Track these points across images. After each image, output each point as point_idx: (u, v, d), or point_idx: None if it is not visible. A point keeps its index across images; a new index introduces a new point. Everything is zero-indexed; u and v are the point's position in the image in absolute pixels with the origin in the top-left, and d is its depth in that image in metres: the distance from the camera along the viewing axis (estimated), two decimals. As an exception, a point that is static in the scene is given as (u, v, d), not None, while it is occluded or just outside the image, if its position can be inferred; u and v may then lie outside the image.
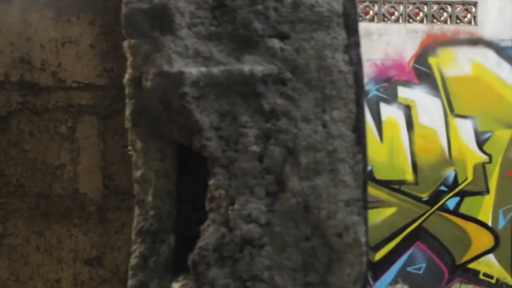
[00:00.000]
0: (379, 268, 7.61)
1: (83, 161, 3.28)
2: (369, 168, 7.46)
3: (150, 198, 1.66)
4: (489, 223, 7.70)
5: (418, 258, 7.65)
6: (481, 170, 7.66)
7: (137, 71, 1.49)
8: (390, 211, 7.56)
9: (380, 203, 7.54)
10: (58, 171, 3.28)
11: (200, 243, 1.45)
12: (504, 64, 7.66)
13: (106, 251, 3.22)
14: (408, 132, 7.55)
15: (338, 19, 1.43)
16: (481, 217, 7.68)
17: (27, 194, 3.21)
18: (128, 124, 1.56)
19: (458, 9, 7.74)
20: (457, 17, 7.73)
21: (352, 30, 1.43)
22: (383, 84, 7.52)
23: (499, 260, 7.75)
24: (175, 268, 1.62)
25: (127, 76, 1.52)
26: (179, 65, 1.44)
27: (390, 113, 7.53)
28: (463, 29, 7.68)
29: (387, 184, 7.54)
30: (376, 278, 7.61)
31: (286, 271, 1.38)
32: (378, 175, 7.52)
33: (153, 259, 1.65)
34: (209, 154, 1.44)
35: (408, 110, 7.55)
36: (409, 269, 7.64)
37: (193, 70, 1.42)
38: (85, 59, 3.24)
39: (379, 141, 7.52)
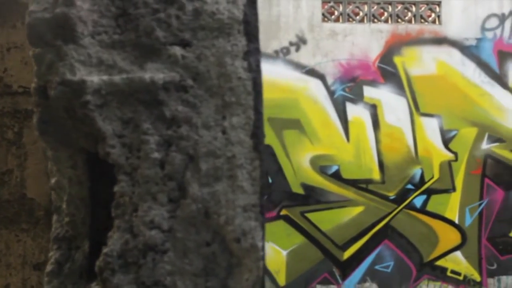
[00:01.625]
0: (347, 267, 7.65)
1: (30, 166, 3.27)
2: (336, 167, 7.51)
3: (64, 205, 1.67)
4: (456, 221, 7.77)
5: (386, 257, 7.70)
6: (447, 168, 7.72)
7: (42, 79, 1.50)
8: (357, 210, 7.60)
9: (347, 202, 7.58)
10: (5, 176, 3.27)
11: (105, 249, 1.46)
12: (469, 63, 7.72)
13: (54, 256, 3.21)
14: (374, 131, 7.59)
15: (238, 26, 1.44)
16: (447, 215, 7.75)
17: (-25, 200, 3.20)
18: (36, 132, 1.56)
19: (422, 8, 7.80)
20: (422, 17, 7.79)
21: (252, 37, 1.45)
22: (349, 84, 7.56)
23: (466, 257, 7.82)
24: (89, 274, 1.63)
25: (33, 84, 1.53)
26: (81, 73, 1.45)
27: (356, 112, 7.57)
28: (428, 29, 7.74)
29: (354, 183, 7.58)
30: (344, 277, 7.65)
31: (188, 276, 1.39)
32: (345, 175, 7.56)
33: (68, 265, 1.66)
34: (113, 161, 1.45)
35: (374, 109, 7.60)
36: (377, 267, 7.69)
37: (95, 79, 1.43)
38: (30, 64, 3.23)
39: (346, 140, 7.56)
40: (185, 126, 1.41)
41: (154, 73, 1.43)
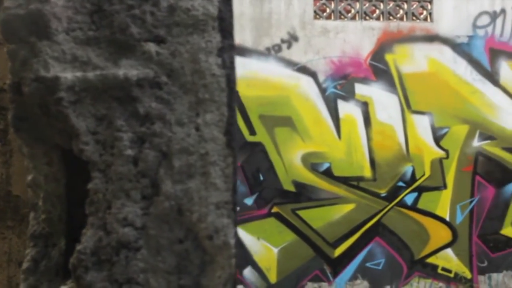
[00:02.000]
0: (338, 264, 7.66)
1: (16, 163, 3.26)
2: (327, 165, 7.51)
3: (41, 202, 1.66)
4: (447, 218, 7.77)
5: (377, 254, 7.70)
6: (438, 165, 7.72)
7: (16, 76, 1.49)
8: (348, 207, 7.60)
9: (338, 200, 7.58)
10: (-10, 173, 3.26)
11: (79, 247, 1.45)
12: (460, 60, 7.72)
13: (39, 253, 3.20)
14: (365, 128, 7.59)
15: (213, 22, 1.44)
16: (438, 212, 7.75)
17: (-41, 197, 3.18)
18: (11, 129, 1.56)
19: (414, 6, 7.80)
20: (413, 14, 7.78)
21: (226, 33, 1.44)
22: (340, 81, 7.56)
23: (457, 254, 7.83)
24: (65, 272, 1.62)
25: (8, 81, 1.52)
26: (55, 70, 1.44)
27: (348, 110, 7.57)
28: (419, 26, 7.74)
29: (345, 181, 7.58)
30: (335, 274, 7.65)
31: (160, 274, 1.39)
32: (337, 172, 7.56)
33: (44, 262, 1.65)
34: (87, 158, 1.45)
35: (365, 106, 7.59)
36: (368, 264, 7.69)
37: (68, 75, 1.43)
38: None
39: (337, 138, 7.55)
40: (159, 123, 1.40)
41: (128, 70, 1.43)
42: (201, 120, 1.40)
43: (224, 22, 1.44)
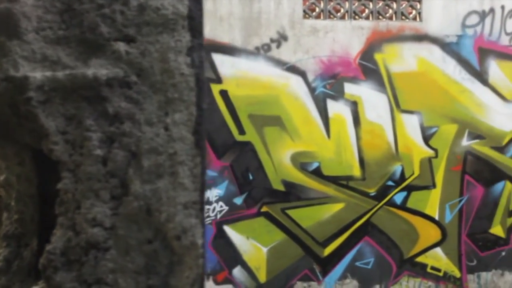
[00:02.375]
0: (328, 264, 7.66)
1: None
2: (316, 164, 7.51)
3: (13, 202, 1.66)
4: (436, 217, 7.78)
5: (366, 253, 7.71)
6: (428, 164, 7.73)
7: (-15, 75, 1.48)
8: (338, 206, 7.60)
9: (328, 199, 7.58)
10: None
11: (48, 247, 1.45)
12: (449, 60, 7.73)
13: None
14: (355, 128, 7.59)
15: (183, 21, 1.44)
16: (428, 211, 7.76)
17: None
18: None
19: (403, 5, 7.80)
20: (402, 14, 7.79)
21: (196, 33, 1.44)
22: (330, 81, 7.56)
23: (446, 253, 7.84)
24: (37, 272, 1.62)
25: (-23, 80, 1.51)
26: (25, 69, 1.43)
27: (337, 109, 7.57)
28: (408, 25, 7.74)
29: (334, 180, 7.58)
30: (325, 273, 7.66)
31: (129, 274, 1.39)
32: (326, 171, 7.56)
33: (17, 262, 1.65)
34: (57, 158, 1.44)
35: (354, 106, 7.59)
36: (357, 264, 7.69)
37: (37, 75, 1.42)
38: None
39: (326, 137, 7.55)
40: (128, 122, 1.40)
41: (98, 69, 1.42)
42: (170, 119, 1.40)
43: (194, 21, 1.44)
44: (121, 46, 1.43)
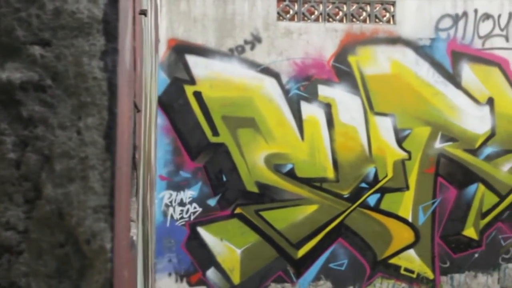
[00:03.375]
0: (301, 265, 7.68)
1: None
2: (290, 166, 7.53)
3: None
4: (409, 219, 7.83)
5: (340, 255, 7.74)
6: (401, 167, 7.77)
7: None
8: (311, 208, 7.62)
9: (301, 201, 7.60)
10: None
11: (-38, 251, 1.44)
12: (422, 62, 7.78)
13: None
14: (328, 130, 7.62)
15: (98, 25, 1.44)
16: (401, 213, 7.80)
17: None
18: None
19: (377, 8, 7.84)
20: (376, 16, 7.83)
21: (111, 37, 1.44)
22: (303, 83, 7.58)
23: (420, 255, 7.88)
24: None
25: None
26: None
27: (311, 111, 7.59)
28: (382, 28, 7.78)
29: (308, 182, 7.60)
30: (299, 275, 7.68)
31: (42, 277, 1.39)
32: (300, 173, 7.58)
33: None
34: (-29, 162, 1.44)
35: (328, 108, 7.62)
36: (331, 265, 7.72)
37: (-50, 78, 1.42)
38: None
39: (300, 139, 7.57)
40: (42, 126, 1.40)
41: (12, 73, 1.42)
42: (82, 123, 1.40)
43: (109, 25, 1.44)
44: (37, 50, 1.43)
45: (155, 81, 5.95)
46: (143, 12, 1.89)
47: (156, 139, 6.48)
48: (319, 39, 7.65)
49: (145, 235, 3.14)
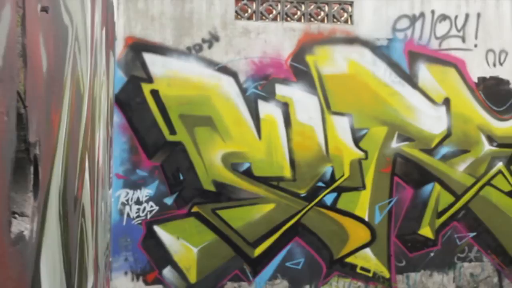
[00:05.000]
0: (258, 264, 7.69)
1: None
2: (247, 165, 7.54)
3: None
4: (366, 218, 7.88)
5: (296, 253, 7.77)
6: (358, 166, 7.82)
7: None
8: (268, 207, 7.64)
9: (258, 200, 7.62)
10: None
11: None
12: (380, 63, 7.83)
13: None
14: (286, 129, 7.64)
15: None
16: (357, 212, 7.85)
17: None
18: None
19: (335, 8, 7.88)
20: (334, 16, 7.86)
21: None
22: (261, 82, 7.59)
23: (376, 254, 7.94)
24: None
25: None
26: None
27: (268, 110, 7.61)
28: (340, 28, 7.82)
29: (265, 181, 7.62)
30: (255, 273, 7.69)
31: None
32: (257, 172, 7.59)
33: None
34: None
35: (285, 107, 7.65)
36: (288, 264, 7.75)
37: None
38: None
39: (258, 138, 7.59)
40: None
41: None
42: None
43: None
44: None
45: (108, 79, 5.91)
46: (45, 9, 1.88)
47: (109, 137, 6.43)
48: (277, 39, 7.67)
49: (75, 232, 3.13)
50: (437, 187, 8.03)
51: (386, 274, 7.99)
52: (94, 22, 4.30)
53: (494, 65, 8.16)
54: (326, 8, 7.85)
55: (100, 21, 4.85)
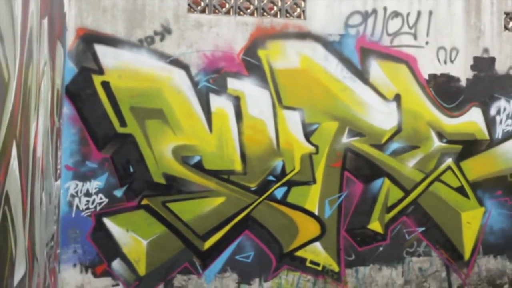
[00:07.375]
0: (208, 257, 7.71)
1: None
2: (198, 158, 7.55)
3: None
4: (316, 212, 7.93)
5: (246, 247, 7.80)
6: (308, 160, 7.87)
7: None
8: (219, 200, 7.66)
9: (209, 193, 7.63)
10: None
11: None
12: (332, 58, 7.89)
13: None
14: (237, 123, 7.66)
15: None
16: (308, 207, 7.91)
17: None
18: None
19: (288, 3, 7.91)
20: (287, 11, 7.90)
21: None
22: (213, 75, 7.60)
23: (325, 248, 8.00)
24: None
25: None
26: None
27: (220, 104, 7.62)
28: (292, 23, 7.86)
29: (216, 174, 7.63)
30: (205, 267, 7.71)
31: None
32: (207, 165, 7.60)
33: None
34: None
35: (237, 101, 7.66)
36: (237, 257, 7.77)
37: None
38: None
39: (209, 131, 7.60)
40: None
41: None
42: None
43: None
44: None
45: (54, 70, 5.88)
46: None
47: (55, 128, 6.39)
48: (230, 32, 7.69)
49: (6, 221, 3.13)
50: (387, 182, 8.12)
51: (336, 268, 8.06)
52: (27, 11, 4.27)
53: (445, 62, 8.27)
54: (279, 3, 7.89)
55: (39, 10, 4.82)
